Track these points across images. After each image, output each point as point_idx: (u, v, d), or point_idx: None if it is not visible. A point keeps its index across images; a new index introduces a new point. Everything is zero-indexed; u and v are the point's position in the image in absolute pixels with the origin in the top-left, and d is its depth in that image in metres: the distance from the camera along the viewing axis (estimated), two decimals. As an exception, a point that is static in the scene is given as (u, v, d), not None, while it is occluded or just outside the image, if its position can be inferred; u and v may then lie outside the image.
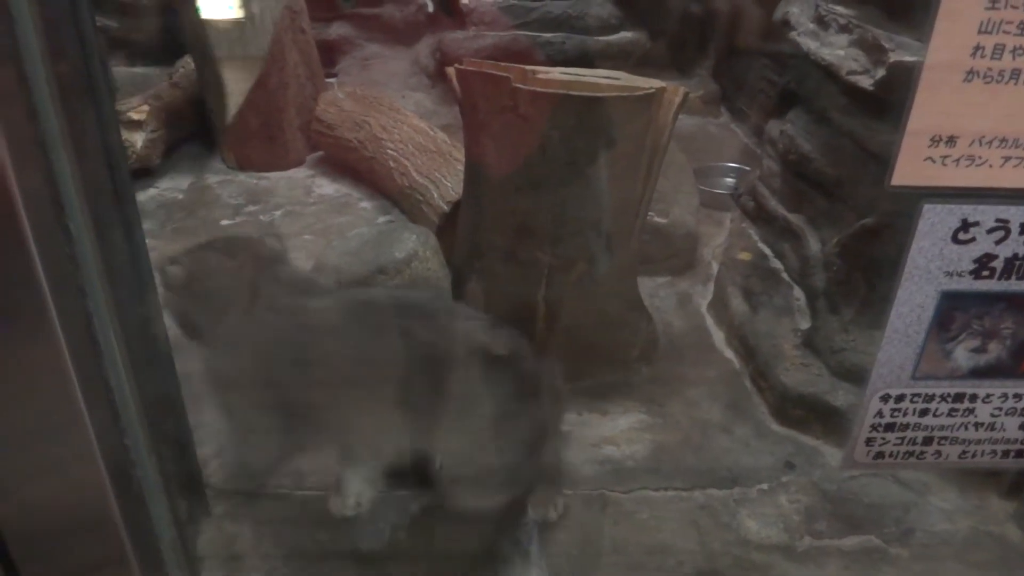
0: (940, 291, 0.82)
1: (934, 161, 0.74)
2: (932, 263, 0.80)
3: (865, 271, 1.77)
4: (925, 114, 0.71)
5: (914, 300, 0.83)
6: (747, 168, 3.05)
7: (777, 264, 2.24)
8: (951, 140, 0.73)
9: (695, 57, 4.10)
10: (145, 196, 2.87)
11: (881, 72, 1.60)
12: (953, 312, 0.83)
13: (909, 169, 0.74)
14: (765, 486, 1.66)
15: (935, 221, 0.78)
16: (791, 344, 1.93)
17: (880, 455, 0.94)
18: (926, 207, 0.76)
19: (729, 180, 3.07)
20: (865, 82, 1.67)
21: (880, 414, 0.91)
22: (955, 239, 0.79)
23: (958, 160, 0.74)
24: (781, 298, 2.10)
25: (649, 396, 1.93)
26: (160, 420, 1.23)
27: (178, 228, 2.69)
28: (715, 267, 2.53)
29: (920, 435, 0.93)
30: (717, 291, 2.31)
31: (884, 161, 1.76)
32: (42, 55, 0.78)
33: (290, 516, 1.54)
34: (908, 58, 1.54)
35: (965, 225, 0.78)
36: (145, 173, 2.87)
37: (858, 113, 1.80)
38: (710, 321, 2.26)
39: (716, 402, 1.92)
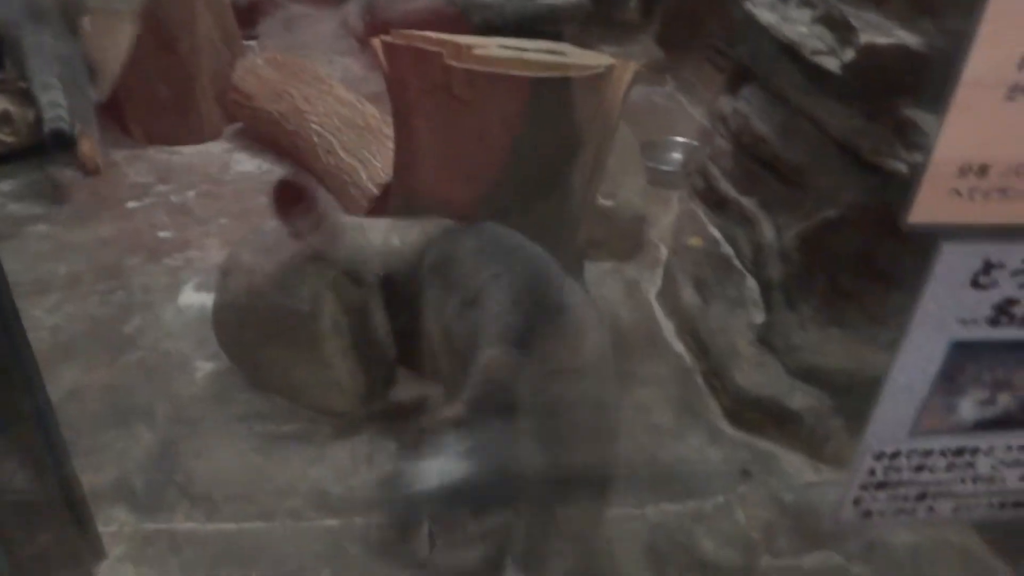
0: (951, 341, 0.70)
1: (960, 194, 0.60)
2: (946, 310, 0.67)
3: (826, 266, 1.66)
4: (957, 140, 0.58)
5: (921, 352, 0.70)
6: (695, 143, 2.92)
7: (729, 250, 2.12)
8: (983, 170, 0.59)
9: (639, 22, 3.93)
10: (33, 178, 2.57)
11: (850, 54, 1.46)
12: (963, 363, 0.71)
13: (931, 204, 0.60)
14: (721, 499, 1.56)
15: (954, 263, 0.65)
16: (746, 340, 1.82)
17: (868, 513, 0.82)
18: (946, 247, 0.63)
19: (676, 156, 2.94)
20: (831, 64, 1.53)
21: (872, 472, 0.79)
22: (974, 283, 0.66)
23: (987, 193, 0.61)
24: (734, 288, 1.98)
25: (597, 398, 1.79)
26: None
27: (77, 212, 2.42)
28: (663, 250, 2.41)
29: (913, 492, 0.81)
30: (667, 280, 2.18)
31: (848, 148, 1.65)
32: None
33: (201, 555, 1.37)
34: (881, 40, 1.41)
35: (987, 267, 0.65)
36: (34, 151, 2.57)
37: (821, 95, 1.67)
38: (659, 311, 2.14)
39: (668, 404, 1.80)
